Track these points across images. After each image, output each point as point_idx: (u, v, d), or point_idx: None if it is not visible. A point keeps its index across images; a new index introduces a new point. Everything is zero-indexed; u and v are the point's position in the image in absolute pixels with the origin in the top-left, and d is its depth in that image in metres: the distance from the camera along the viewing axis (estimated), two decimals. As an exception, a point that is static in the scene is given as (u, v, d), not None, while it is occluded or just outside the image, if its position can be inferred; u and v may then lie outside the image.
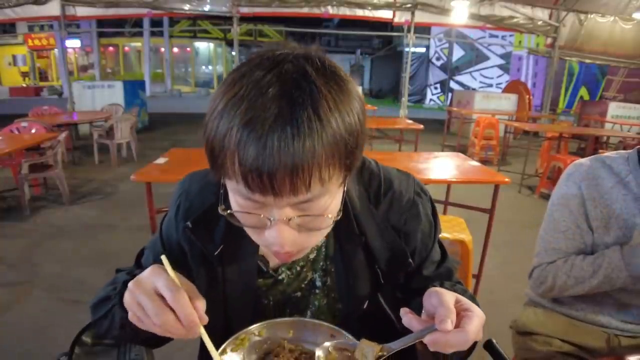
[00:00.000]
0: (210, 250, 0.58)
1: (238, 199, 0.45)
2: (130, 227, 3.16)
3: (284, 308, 0.63)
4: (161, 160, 2.23)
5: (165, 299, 0.43)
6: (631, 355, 0.84)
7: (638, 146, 0.95)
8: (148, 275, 0.45)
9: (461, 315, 0.44)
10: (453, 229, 1.62)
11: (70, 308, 2.13)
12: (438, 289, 0.47)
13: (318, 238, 0.51)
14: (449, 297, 0.45)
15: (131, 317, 0.46)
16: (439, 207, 2.87)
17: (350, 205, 0.58)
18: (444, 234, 1.55)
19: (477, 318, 0.44)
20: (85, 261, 2.62)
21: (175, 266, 0.47)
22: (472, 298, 0.56)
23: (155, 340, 0.58)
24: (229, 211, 0.47)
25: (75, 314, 2.06)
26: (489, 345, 0.99)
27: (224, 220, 0.56)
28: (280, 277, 0.62)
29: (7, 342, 1.84)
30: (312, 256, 0.62)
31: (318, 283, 0.63)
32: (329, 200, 0.46)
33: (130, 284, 0.45)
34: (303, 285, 0.63)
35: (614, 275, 0.87)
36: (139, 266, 0.66)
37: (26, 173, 3.41)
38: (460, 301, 0.46)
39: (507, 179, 2.15)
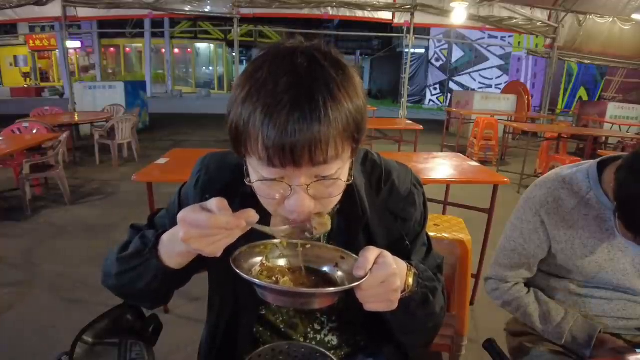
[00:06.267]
0: None
1: (262, 173, 0.50)
2: (131, 227, 3.16)
3: None
4: (162, 161, 2.24)
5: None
6: (631, 355, 0.85)
7: (598, 159, 0.93)
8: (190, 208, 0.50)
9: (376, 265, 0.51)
10: (452, 228, 1.62)
11: (72, 308, 2.13)
12: (368, 247, 0.52)
13: (330, 206, 0.56)
14: (371, 252, 0.51)
15: (184, 236, 0.48)
16: (439, 207, 2.88)
17: (355, 189, 0.63)
18: (443, 234, 1.56)
19: (388, 267, 0.50)
20: (86, 261, 2.63)
21: None
22: (431, 279, 0.63)
23: (172, 287, 0.66)
24: (254, 182, 0.52)
25: (76, 313, 2.07)
26: (489, 345, 1.00)
27: (239, 197, 0.62)
28: None
29: (8, 341, 1.85)
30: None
31: None
32: (341, 169, 0.52)
33: (180, 215, 0.49)
34: None
35: (571, 342, 0.93)
36: (152, 225, 0.70)
37: (27, 173, 3.41)
38: (383, 256, 0.51)
39: (506, 179, 2.16)
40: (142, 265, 0.60)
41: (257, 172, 0.51)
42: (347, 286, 0.50)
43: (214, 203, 0.48)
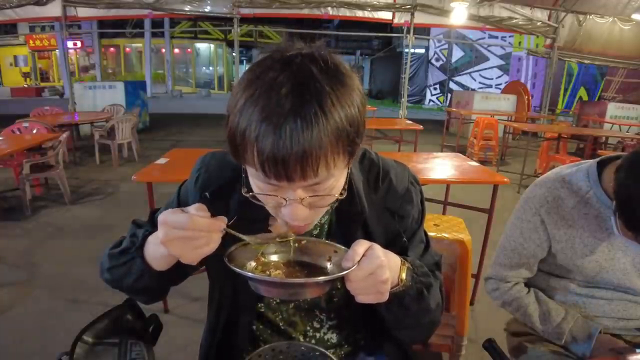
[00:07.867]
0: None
1: (258, 183, 0.52)
2: (130, 227, 3.16)
3: None
4: (162, 161, 2.24)
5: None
6: (631, 355, 0.85)
7: (598, 158, 0.93)
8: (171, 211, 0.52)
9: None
10: (452, 229, 1.62)
11: (71, 308, 2.13)
12: (359, 240, 0.54)
13: (322, 213, 0.59)
14: (361, 245, 0.53)
15: (164, 238, 0.51)
16: (439, 207, 2.88)
17: (354, 188, 0.64)
18: (443, 234, 1.56)
19: (376, 259, 0.52)
20: (86, 261, 2.62)
21: None
22: (426, 275, 0.64)
23: (164, 284, 0.67)
24: (250, 193, 0.54)
25: (76, 313, 2.07)
26: (489, 345, 1.00)
27: (237, 195, 0.63)
28: None
29: (8, 341, 1.84)
30: (315, 232, 0.68)
31: None
32: (335, 182, 0.52)
33: (160, 218, 0.51)
34: None
35: (570, 344, 0.93)
36: (153, 223, 0.70)
37: (27, 173, 3.41)
38: (372, 249, 0.53)
39: (506, 179, 2.16)
40: (129, 263, 0.62)
41: (255, 182, 0.53)
42: (334, 275, 0.52)
43: (194, 207, 0.51)
